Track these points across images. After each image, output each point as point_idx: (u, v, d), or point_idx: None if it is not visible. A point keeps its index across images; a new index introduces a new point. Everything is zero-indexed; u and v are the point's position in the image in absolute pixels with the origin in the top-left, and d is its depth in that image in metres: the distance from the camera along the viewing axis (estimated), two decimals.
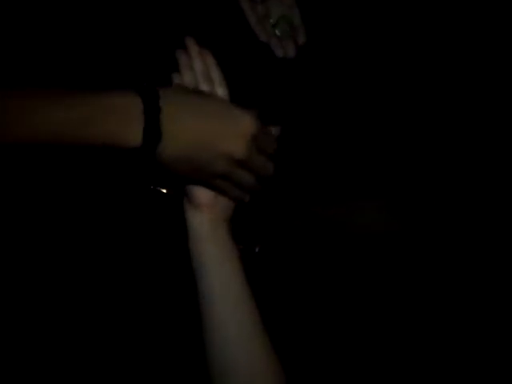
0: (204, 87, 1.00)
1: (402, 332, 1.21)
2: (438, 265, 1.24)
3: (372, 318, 1.21)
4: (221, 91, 1.01)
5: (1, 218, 1.08)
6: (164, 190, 1.11)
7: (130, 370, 1.09)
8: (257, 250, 1.19)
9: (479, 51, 1.33)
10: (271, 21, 1.18)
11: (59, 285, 1.09)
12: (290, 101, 1.24)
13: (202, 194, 0.99)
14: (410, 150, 1.30)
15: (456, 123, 1.32)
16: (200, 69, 1.01)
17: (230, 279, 0.99)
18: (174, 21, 1.14)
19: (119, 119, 0.84)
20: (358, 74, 1.32)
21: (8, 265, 1.08)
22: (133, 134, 0.85)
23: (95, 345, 1.09)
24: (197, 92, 0.97)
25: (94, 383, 1.09)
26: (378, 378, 1.19)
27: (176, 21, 1.14)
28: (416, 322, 1.21)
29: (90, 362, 1.09)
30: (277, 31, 1.18)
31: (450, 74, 1.33)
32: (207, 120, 0.91)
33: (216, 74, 1.02)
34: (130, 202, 1.11)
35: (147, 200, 1.11)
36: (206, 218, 0.99)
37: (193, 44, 1.01)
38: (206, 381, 0.97)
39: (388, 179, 1.29)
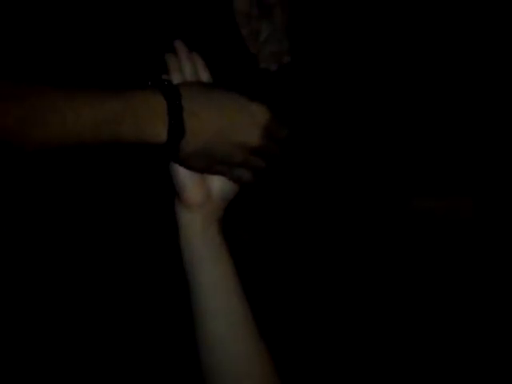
0: None
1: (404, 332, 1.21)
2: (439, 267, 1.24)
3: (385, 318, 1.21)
4: None
5: (1, 219, 1.10)
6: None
7: (123, 367, 1.09)
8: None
9: (479, 51, 1.34)
10: (261, 38, 1.23)
11: (55, 284, 1.10)
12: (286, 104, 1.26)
13: (193, 194, 1.00)
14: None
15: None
16: (189, 71, 1.03)
17: (221, 279, 1.00)
18: (164, 24, 1.16)
19: (145, 118, 0.89)
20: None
21: (7, 265, 1.09)
22: (158, 131, 0.90)
23: (90, 341, 1.09)
24: (211, 87, 1.01)
25: (92, 383, 1.09)
26: (377, 378, 1.18)
27: (166, 24, 1.16)
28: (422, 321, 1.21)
29: (86, 361, 1.09)
30: (264, 47, 1.23)
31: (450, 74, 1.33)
32: (224, 113, 0.96)
33: (205, 76, 1.04)
34: (123, 202, 1.13)
35: (139, 200, 1.13)
36: (197, 217, 1.00)
37: (182, 47, 1.03)
38: (199, 379, 0.97)
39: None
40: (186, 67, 1.02)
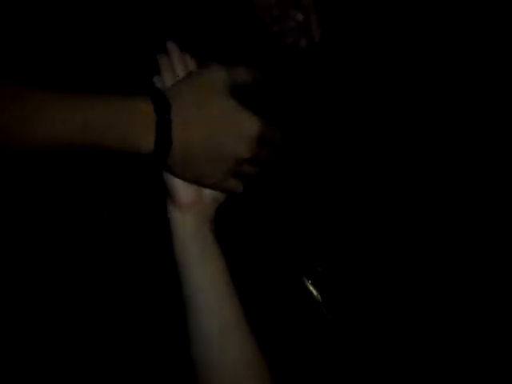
0: None
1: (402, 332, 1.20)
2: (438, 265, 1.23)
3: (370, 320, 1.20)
4: None
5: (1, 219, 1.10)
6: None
7: (118, 366, 1.09)
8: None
9: (479, 51, 1.33)
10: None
11: (51, 285, 1.10)
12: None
13: (184, 195, 1.00)
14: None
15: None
16: (181, 71, 1.03)
17: (213, 279, 0.99)
18: (157, 23, 1.16)
19: (133, 129, 0.88)
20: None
21: (6, 265, 1.09)
22: (145, 141, 0.89)
23: (86, 340, 1.09)
24: (202, 96, 0.97)
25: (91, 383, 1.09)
26: (374, 378, 1.17)
27: (159, 23, 1.15)
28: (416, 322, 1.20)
29: (83, 359, 1.09)
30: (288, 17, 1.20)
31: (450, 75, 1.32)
32: (214, 126, 0.94)
33: None
34: (116, 202, 1.13)
35: (132, 200, 1.13)
36: (189, 217, 1.00)
37: (174, 48, 1.03)
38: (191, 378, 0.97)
39: None
40: (179, 68, 1.02)
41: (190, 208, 1.00)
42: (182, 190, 1.00)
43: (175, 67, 1.02)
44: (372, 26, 1.31)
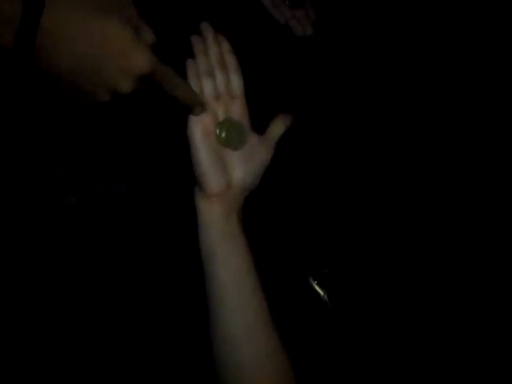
0: (218, 73, 0.98)
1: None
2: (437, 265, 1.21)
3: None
4: (235, 78, 0.99)
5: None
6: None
7: (131, 369, 1.05)
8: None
9: (479, 51, 1.31)
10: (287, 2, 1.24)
11: (59, 283, 1.05)
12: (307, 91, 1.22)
13: (214, 183, 0.96)
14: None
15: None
16: (215, 55, 0.98)
17: (239, 272, 0.96)
18: (188, 7, 1.11)
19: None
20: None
21: (7, 265, 1.04)
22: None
23: (97, 344, 1.05)
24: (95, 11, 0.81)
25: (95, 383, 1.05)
26: (379, 378, 1.15)
27: (191, 7, 1.10)
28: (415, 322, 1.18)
29: (92, 362, 1.05)
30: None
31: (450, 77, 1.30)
32: (94, 48, 0.80)
33: (231, 61, 1.00)
34: (139, 190, 1.08)
35: (156, 192, 1.08)
36: (217, 208, 0.96)
37: (208, 30, 0.99)
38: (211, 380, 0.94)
39: None
40: (212, 50, 0.98)
41: (218, 199, 0.96)
42: (212, 178, 0.96)
43: (209, 50, 0.98)
44: (370, 18, 1.29)
